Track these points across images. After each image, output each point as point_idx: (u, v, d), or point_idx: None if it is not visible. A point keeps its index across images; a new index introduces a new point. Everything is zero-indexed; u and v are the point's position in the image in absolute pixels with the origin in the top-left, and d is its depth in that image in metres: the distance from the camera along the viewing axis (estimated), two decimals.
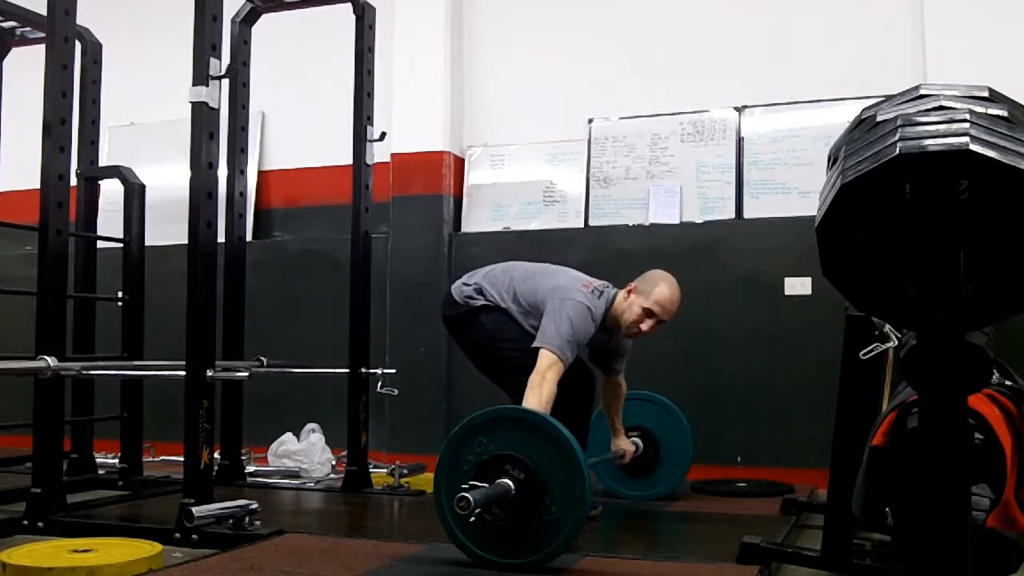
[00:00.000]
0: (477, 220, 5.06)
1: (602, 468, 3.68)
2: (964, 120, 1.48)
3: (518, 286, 3.27)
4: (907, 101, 1.59)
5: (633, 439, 3.65)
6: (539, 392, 2.86)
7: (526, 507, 2.38)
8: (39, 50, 3.31)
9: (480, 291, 3.30)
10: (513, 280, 3.30)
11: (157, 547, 2.63)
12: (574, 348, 3.05)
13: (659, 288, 3.16)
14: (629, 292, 3.22)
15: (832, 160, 1.69)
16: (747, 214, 4.58)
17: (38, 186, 3.22)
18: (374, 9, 4.18)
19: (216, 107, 3.08)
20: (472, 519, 2.34)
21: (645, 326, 3.18)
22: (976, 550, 1.73)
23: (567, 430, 2.42)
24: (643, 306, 3.16)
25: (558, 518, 2.37)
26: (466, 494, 2.26)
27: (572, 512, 2.36)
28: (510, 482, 2.37)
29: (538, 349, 2.99)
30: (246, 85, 4.21)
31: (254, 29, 4.27)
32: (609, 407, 3.59)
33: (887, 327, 2.29)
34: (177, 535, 2.87)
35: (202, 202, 3.05)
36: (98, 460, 4.22)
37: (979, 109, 1.51)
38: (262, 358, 4.17)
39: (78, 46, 3.67)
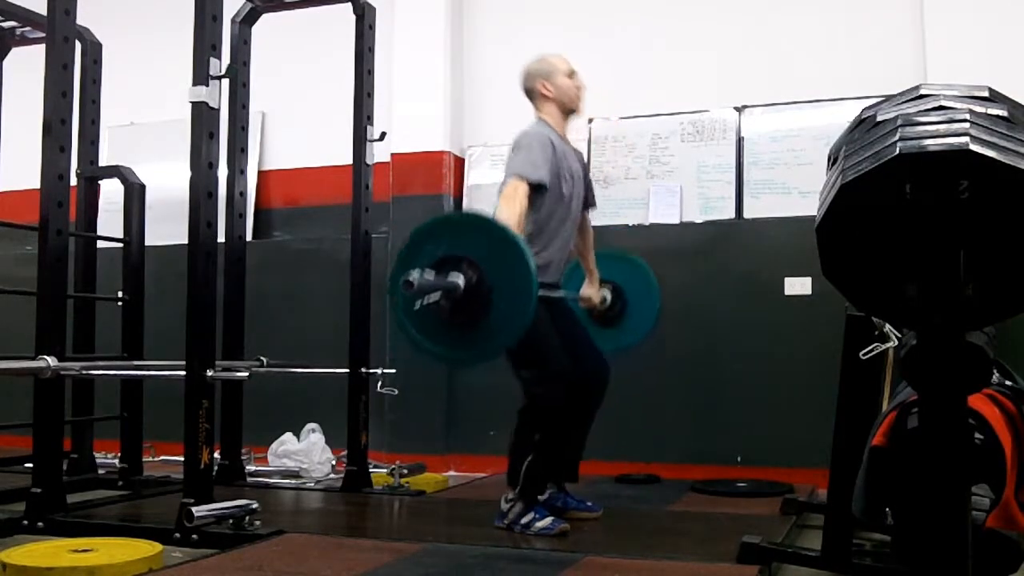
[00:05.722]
0: None
1: None
2: (964, 120, 1.48)
3: None
4: (907, 101, 1.59)
5: (603, 292, 3.58)
6: (511, 205, 2.95)
7: (475, 302, 2.48)
8: (39, 50, 3.32)
9: None
10: None
11: (157, 547, 2.64)
12: (539, 165, 3.08)
13: (547, 62, 3.34)
14: (544, 94, 3.32)
15: (832, 160, 1.69)
16: (747, 214, 4.58)
17: (38, 186, 3.23)
18: (374, 9, 4.18)
19: (216, 107, 3.08)
20: (419, 307, 2.48)
21: (578, 83, 3.38)
22: (976, 550, 1.72)
23: (515, 233, 2.62)
24: (563, 77, 3.32)
25: (504, 311, 2.48)
26: (412, 275, 2.39)
27: (518, 305, 2.47)
28: (460, 276, 2.47)
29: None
30: (246, 85, 4.21)
31: (254, 29, 4.28)
32: (578, 241, 3.51)
33: (887, 327, 2.29)
34: (177, 535, 2.88)
35: (202, 202, 3.06)
36: (98, 460, 4.22)
37: (979, 109, 1.51)
38: (262, 358, 4.17)
39: (78, 46, 3.67)
